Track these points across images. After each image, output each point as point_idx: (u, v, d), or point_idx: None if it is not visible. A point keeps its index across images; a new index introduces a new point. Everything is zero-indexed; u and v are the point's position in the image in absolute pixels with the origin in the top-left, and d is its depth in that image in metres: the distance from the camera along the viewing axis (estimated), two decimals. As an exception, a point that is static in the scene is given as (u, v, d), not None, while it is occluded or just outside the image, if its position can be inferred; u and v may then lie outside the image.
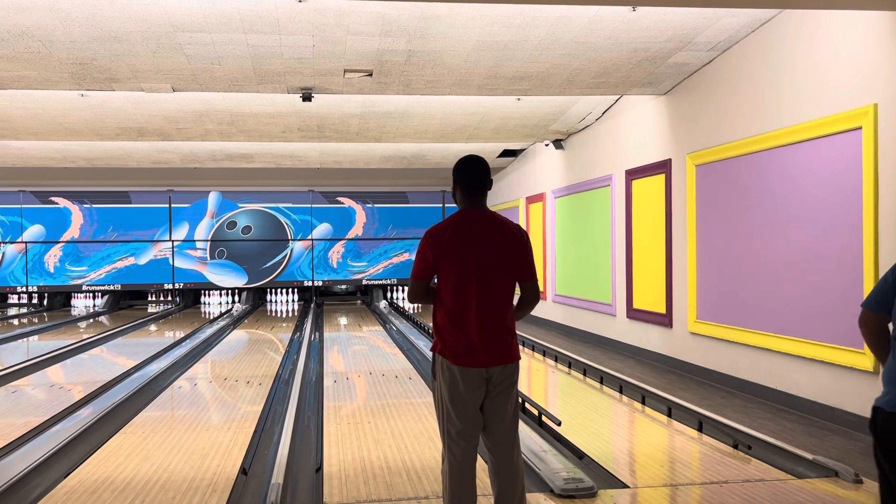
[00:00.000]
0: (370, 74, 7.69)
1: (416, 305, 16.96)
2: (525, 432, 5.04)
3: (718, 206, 7.35)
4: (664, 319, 8.49)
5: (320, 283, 17.38)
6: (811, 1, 5.52)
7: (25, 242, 16.45)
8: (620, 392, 6.97)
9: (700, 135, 7.73)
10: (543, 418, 5.79)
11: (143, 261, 16.79)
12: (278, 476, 4.31)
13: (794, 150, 6.19)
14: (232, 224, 17.05)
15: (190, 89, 8.20)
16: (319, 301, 17.66)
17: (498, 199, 16.08)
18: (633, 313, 9.38)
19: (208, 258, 16.97)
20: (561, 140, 11.93)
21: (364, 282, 17.54)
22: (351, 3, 5.92)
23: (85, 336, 11.86)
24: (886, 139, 5.22)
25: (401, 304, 16.95)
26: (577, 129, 11.24)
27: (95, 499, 4.16)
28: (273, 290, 17.86)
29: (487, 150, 13.79)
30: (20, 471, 4.52)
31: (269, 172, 16.11)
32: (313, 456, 5.12)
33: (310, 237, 17.26)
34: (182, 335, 11.96)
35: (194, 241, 16.93)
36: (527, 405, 6.17)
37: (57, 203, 16.54)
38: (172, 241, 16.85)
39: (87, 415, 6.18)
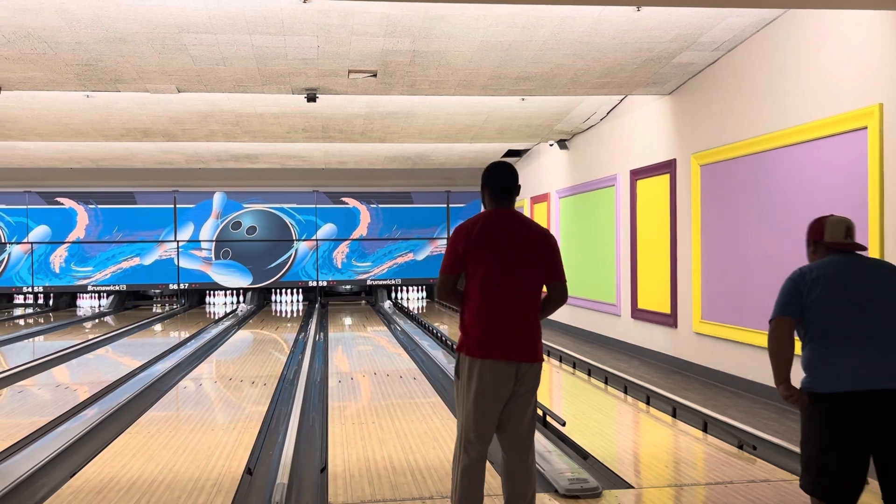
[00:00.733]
0: (374, 75, 7.70)
1: (420, 306, 16.97)
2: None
3: (723, 206, 7.34)
4: (669, 319, 8.48)
5: (325, 284, 17.39)
6: (815, 1, 5.51)
7: (31, 243, 16.50)
8: (625, 392, 6.97)
9: (705, 135, 7.72)
10: (548, 418, 5.79)
11: (148, 261, 16.83)
12: (283, 476, 4.32)
13: (799, 150, 6.18)
14: (237, 224, 17.08)
15: (195, 90, 8.22)
16: (324, 300, 17.68)
17: (502, 200, 16.04)
18: (638, 313, 9.37)
19: (213, 258, 17.00)
20: (565, 140, 11.92)
21: (368, 282, 17.55)
22: (355, 3, 5.93)
23: (90, 336, 11.89)
24: (892, 139, 5.21)
25: (405, 305, 16.96)
26: (581, 130, 11.24)
27: (101, 498, 4.17)
28: (278, 291, 17.87)
29: (492, 150, 13.79)
30: (26, 470, 4.54)
31: (274, 173, 16.13)
32: (318, 456, 5.12)
33: (314, 237, 17.28)
34: (187, 335, 11.98)
35: (199, 241, 16.96)
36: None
37: (62, 204, 16.59)
38: (177, 241, 16.89)
39: (92, 415, 6.20)
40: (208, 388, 7.78)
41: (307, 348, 9.82)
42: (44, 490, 4.36)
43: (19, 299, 17.44)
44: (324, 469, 4.71)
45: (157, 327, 13.85)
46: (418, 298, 18.02)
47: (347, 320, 14.23)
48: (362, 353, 10.04)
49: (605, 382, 7.42)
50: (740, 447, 5.05)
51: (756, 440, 5.04)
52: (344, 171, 16.15)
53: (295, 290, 17.89)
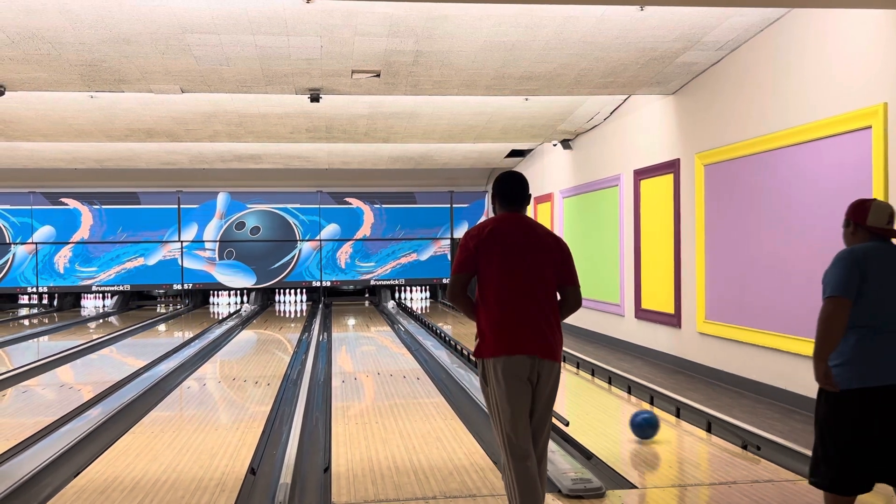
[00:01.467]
0: (378, 75, 7.70)
1: (423, 306, 16.97)
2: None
3: (727, 205, 7.33)
4: (673, 320, 8.47)
5: (328, 284, 17.40)
6: (818, 0, 5.50)
7: (36, 243, 16.53)
8: (629, 392, 6.96)
9: (708, 134, 7.71)
10: (552, 418, 5.78)
11: (152, 261, 16.85)
12: (286, 476, 4.32)
13: (803, 150, 6.16)
14: (240, 225, 17.10)
15: (198, 90, 8.23)
16: (328, 300, 17.68)
17: (506, 200, 16.03)
18: (642, 313, 9.36)
19: (217, 259, 17.02)
20: (569, 140, 11.91)
21: (372, 282, 17.55)
22: (358, 3, 5.93)
23: (94, 336, 11.91)
24: (896, 138, 5.19)
25: (409, 305, 16.96)
26: (585, 129, 11.22)
27: (105, 498, 4.18)
28: (281, 291, 17.89)
29: (495, 150, 13.78)
30: (30, 470, 4.55)
31: (278, 173, 16.15)
32: (321, 456, 5.13)
33: (318, 238, 17.29)
34: (191, 335, 11.99)
35: (203, 241, 16.98)
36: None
37: (67, 204, 16.62)
38: (181, 241, 16.91)
39: (96, 415, 6.21)
40: (212, 388, 7.79)
41: (311, 348, 9.82)
42: (48, 490, 4.36)
43: (24, 299, 17.49)
44: (327, 469, 4.71)
45: (161, 327, 13.88)
46: (422, 298, 18.02)
47: (351, 320, 14.24)
48: (366, 354, 10.04)
49: (609, 382, 7.41)
50: (744, 447, 5.03)
51: (760, 440, 5.03)
52: (347, 171, 16.16)
53: (298, 291, 17.91)
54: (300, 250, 17.25)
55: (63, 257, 16.63)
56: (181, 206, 16.91)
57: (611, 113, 10.20)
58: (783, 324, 6.42)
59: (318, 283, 17.35)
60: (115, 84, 7.84)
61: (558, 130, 11.43)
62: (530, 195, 3.49)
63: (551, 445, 4.90)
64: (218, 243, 17.00)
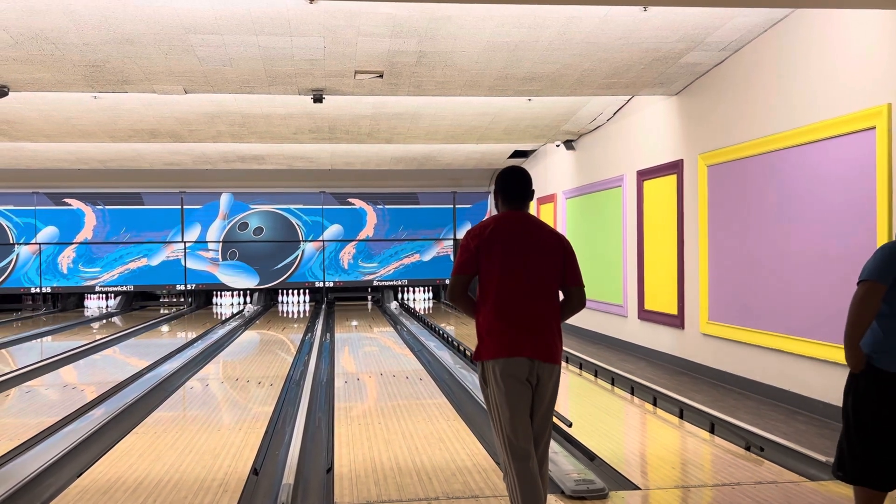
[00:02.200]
0: (381, 76, 7.70)
1: (426, 307, 16.96)
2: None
3: (730, 206, 7.31)
4: (676, 321, 8.45)
5: (331, 284, 17.41)
6: (822, 0, 5.48)
7: (39, 244, 16.56)
8: (632, 393, 6.95)
9: (712, 135, 7.70)
10: (554, 419, 5.76)
11: (155, 262, 16.88)
12: (289, 476, 4.32)
13: (806, 151, 6.15)
14: (244, 225, 17.11)
15: (202, 91, 8.24)
16: (331, 297, 17.70)
17: (509, 200, 16.03)
18: (645, 314, 9.35)
19: (220, 259, 17.04)
20: (572, 141, 11.90)
21: (375, 283, 17.56)
22: (361, 4, 5.93)
23: (98, 337, 11.93)
24: (900, 139, 5.18)
25: (411, 305, 16.97)
26: (588, 130, 11.22)
27: (108, 498, 4.18)
28: (284, 291, 17.90)
29: (498, 150, 13.78)
30: (34, 470, 4.55)
31: (281, 174, 16.16)
32: (324, 456, 5.13)
33: (321, 238, 17.30)
34: (194, 336, 12.01)
35: (206, 242, 17.00)
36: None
37: (70, 204, 16.65)
38: (185, 242, 16.93)
39: (99, 415, 6.22)
40: (215, 389, 7.79)
41: (313, 349, 9.82)
42: (51, 490, 4.37)
43: (28, 300, 17.52)
44: (330, 469, 4.71)
45: (165, 328, 13.89)
46: (424, 299, 18.02)
47: (354, 321, 14.24)
48: (368, 354, 10.04)
49: (612, 383, 7.40)
50: (748, 448, 5.02)
51: (763, 441, 5.02)
52: (350, 171, 16.16)
53: (301, 291, 17.92)
54: (303, 251, 17.26)
55: (66, 258, 16.65)
56: (184, 207, 16.92)
57: (614, 113, 10.19)
58: (787, 325, 6.41)
59: (321, 284, 17.36)
60: (118, 85, 7.85)
61: (561, 131, 11.42)
62: (533, 191, 3.45)
63: (554, 446, 4.91)
64: (221, 244, 17.02)
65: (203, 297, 17.77)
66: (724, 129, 7.44)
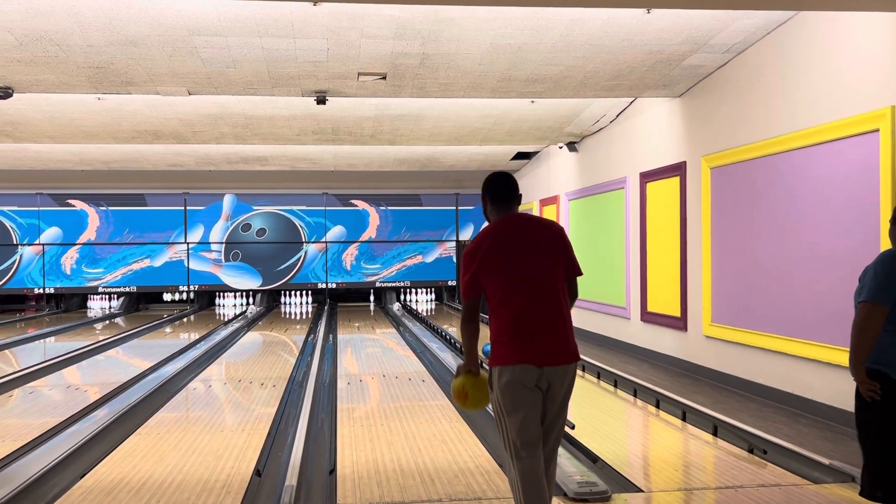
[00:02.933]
0: (384, 77, 7.71)
1: (428, 308, 16.97)
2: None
3: (734, 208, 7.31)
4: (679, 323, 8.45)
5: (334, 286, 17.42)
6: (826, 3, 5.48)
7: (42, 244, 16.59)
8: (635, 396, 6.94)
9: (715, 137, 7.70)
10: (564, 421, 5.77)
11: (158, 263, 16.90)
12: (292, 478, 4.33)
13: (810, 153, 6.15)
14: (246, 226, 17.13)
15: (205, 92, 8.25)
16: (335, 294, 17.74)
17: (511, 202, 16.03)
18: (648, 316, 9.34)
19: (223, 260, 17.05)
20: (575, 142, 11.90)
21: (377, 284, 17.57)
22: (365, 6, 5.94)
23: (101, 337, 11.94)
24: (904, 141, 5.17)
25: (414, 307, 16.97)
26: (591, 132, 11.22)
27: (111, 499, 4.19)
28: (287, 293, 17.91)
29: (501, 152, 13.78)
30: (37, 471, 4.56)
31: (284, 175, 16.17)
32: (327, 458, 5.13)
33: (324, 239, 17.31)
34: (197, 337, 12.02)
35: (209, 243, 17.02)
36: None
37: (74, 205, 16.68)
38: (188, 243, 16.95)
39: (102, 416, 6.23)
40: (218, 390, 7.80)
41: (316, 350, 9.83)
42: (55, 490, 4.38)
43: (31, 301, 17.55)
44: (332, 471, 4.72)
45: (167, 329, 13.91)
46: (427, 301, 18.02)
47: (356, 322, 14.25)
48: (371, 356, 10.04)
49: (615, 386, 7.40)
50: (751, 451, 5.02)
51: (767, 444, 5.01)
52: (353, 173, 16.18)
53: (304, 292, 17.93)
54: (306, 252, 17.27)
55: (70, 258, 16.68)
56: (187, 208, 16.95)
57: (617, 115, 10.19)
58: (790, 327, 6.40)
59: (324, 285, 17.37)
60: (122, 86, 7.87)
61: (564, 133, 11.42)
62: (520, 195, 3.44)
63: (557, 448, 4.92)
64: (224, 245, 17.04)
65: (206, 298, 17.79)
66: (728, 132, 7.44)
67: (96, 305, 17.63)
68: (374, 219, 17.47)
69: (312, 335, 12.08)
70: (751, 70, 7.02)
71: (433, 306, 17.40)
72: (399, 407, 6.56)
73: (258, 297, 17.51)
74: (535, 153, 14.08)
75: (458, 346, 10.22)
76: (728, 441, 5.31)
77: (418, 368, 8.68)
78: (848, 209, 5.70)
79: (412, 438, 5.43)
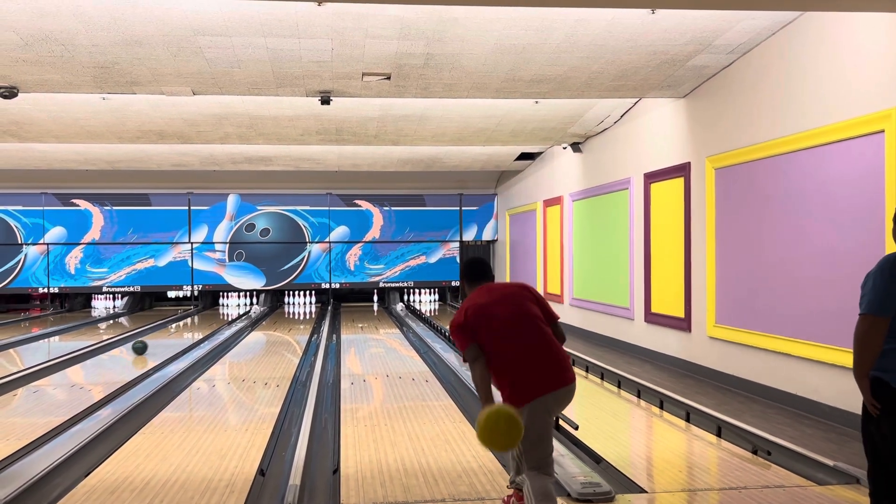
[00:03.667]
0: (388, 78, 7.71)
1: (432, 308, 16.97)
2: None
3: (738, 209, 7.30)
4: (683, 324, 8.44)
5: (338, 286, 17.44)
6: (831, 3, 5.47)
7: (47, 244, 16.63)
8: (638, 396, 6.94)
9: (720, 138, 7.69)
10: (561, 422, 5.77)
11: (162, 262, 16.93)
12: (296, 477, 4.33)
13: (815, 154, 6.14)
14: (250, 226, 17.15)
15: (210, 93, 8.26)
16: (338, 294, 17.75)
17: (515, 202, 16.06)
18: (652, 317, 9.33)
19: (227, 260, 17.08)
20: (579, 143, 11.89)
21: (381, 284, 17.57)
22: (369, 6, 5.94)
23: (105, 337, 11.97)
24: (909, 142, 5.16)
25: (417, 307, 16.97)
26: (595, 132, 11.21)
27: (115, 498, 4.20)
28: (291, 293, 17.93)
29: (505, 152, 13.78)
30: (41, 470, 4.57)
31: (288, 175, 16.19)
32: (330, 458, 5.13)
33: (327, 240, 17.33)
34: (201, 336, 12.04)
35: (213, 243, 17.05)
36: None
37: (78, 205, 16.71)
38: (192, 243, 16.98)
39: (106, 415, 6.24)
40: (221, 390, 7.81)
41: (320, 350, 9.84)
42: (59, 489, 4.39)
43: (35, 300, 17.60)
44: (336, 471, 4.72)
45: (171, 328, 13.93)
46: (430, 301, 18.03)
47: (360, 323, 14.25)
48: (375, 356, 10.05)
49: (618, 386, 7.39)
50: (754, 452, 5.01)
51: (770, 445, 5.01)
52: (357, 173, 16.19)
53: (308, 293, 17.95)
54: (309, 252, 17.29)
55: (74, 258, 16.72)
56: (192, 208, 16.97)
57: (621, 116, 10.18)
58: (794, 328, 6.39)
59: (328, 285, 17.38)
60: (127, 86, 7.88)
61: (568, 133, 11.41)
62: (493, 275, 3.92)
63: (560, 449, 4.92)
64: (228, 245, 17.06)
65: (210, 297, 17.81)
66: (732, 132, 7.43)
67: (100, 305, 17.68)
68: (377, 219, 17.48)
69: (316, 335, 12.09)
70: (756, 71, 7.01)
71: (437, 307, 17.40)
72: (402, 407, 6.56)
73: (262, 297, 17.53)
74: (539, 154, 14.07)
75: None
76: (732, 442, 5.30)
77: (422, 369, 8.68)
78: (853, 210, 5.69)
79: (416, 438, 5.43)
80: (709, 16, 6.32)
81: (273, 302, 17.64)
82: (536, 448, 3.47)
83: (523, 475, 3.55)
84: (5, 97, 7.91)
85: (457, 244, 17.61)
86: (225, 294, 17.83)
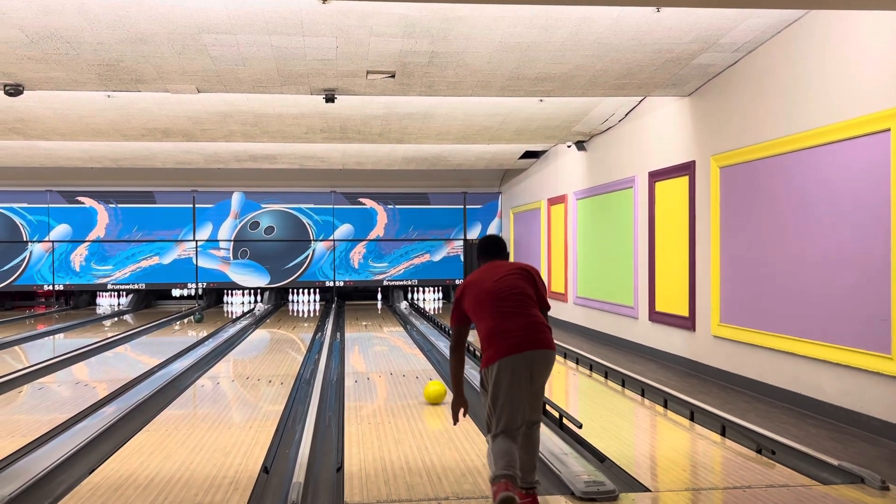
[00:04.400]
0: (393, 76, 7.71)
1: (436, 307, 16.96)
2: (546, 434, 5.02)
3: (743, 208, 7.28)
4: (687, 322, 8.42)
5: (342, 284, 17.45)
6: (836, 2, 5.45)
7: (52, 241, 16.68)
8: (642, 395, 6.92)
9: (724, 136, 7.67)
10: (564, 421, 5.77)
11: (167, 260, 16.96)
12: (299, 475, 4.33)
13: (820, 153, 6.12)
14: (255, 224, 17.17)
15: (214, 90, 8.27)
16: (342, 292, 17.76)
17: (519, 201, 16.04)
18: (656, 316, 9.32)
19: (231, 258, 17.10)
20: (583, 141, 11.88)
21: (385, 282, 17.58)
22: (374, 4, 5.94)
23: (110, 334, 12.00)
24: (915, 141, 5.14)
25: (421, 305, 16.97)
26: (599, 131, 11.19)
27: (119, 495, 4.20)
28: (295, 291, 17.95)
29: (509, 151, 13.77)
30: (46, 467, 4.58)
31: (292, 173, 16.20)
32: (334, 455, 5.14)
33: (331, 238, 17.34)
34: (205, 334, 12.05)
35: (218, 241, 17.07)
36: (548, 407, 6.15)
37: (83, 203, 16.75)
38: (196, 240, 17.00)
39: (111, 412, 6.25)
40: (225, 387, 7.82)
41: (324, 348, 9.85)
42: (63, 486, 4.40)
43: (41, 297, 17.64)
44: (340, 468, 4.72)
45: (176, 326, 13.95)
46: (434, 299, 18.03)
47: (364, 321, 14.26)
48: (378, 354, 10.05)
49: (622, 385, 7.38)
50: (759, 451, 5.00)
51: (775, 444, 4.99)
52: (361, 171, 16.19)
53: (312, 290, 17.97)
54: (314, 250, 17.31)
55: (79, 255, 16.76)
56: (196, 206, 17.00)
57: (626, 114, 10.17)
58: (799, 327, 6.38)
59: (332, 283, 17.40)
60: (132, 84, 7.89)
61: (573, 132, 11.40)
62: (507, 253, 4.14)
63: (564, 447, 4.92)
64: (232, 243, 17.09)
65: (214, 295, 17.84)
66: (737, 131, 7.41)
67: (105, 302, 17.72)
68: (381, 217, 17.48)
69: (320, 333, 12.10)
70: (761, 69, 6.99)
71: (441, 305, 17.39)
72: (406, 405, 6.56)
73: (266, 294, 17.55)
74: (544, 152, 14.06)
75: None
76: (736, 441, 5.29)
77: (425, 367, 8.68)
78: (858, 209, 5.67)
79: (419, 436, 5.43)
80: (714, 14, 6.31)
81: (277, 300, 17.66)
82: (504, 412, 3.64)
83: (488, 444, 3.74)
84: (11, 95, 7.93)
85: (461, 242, 17.60)
86: (229, 292, 17.86)
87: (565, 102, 9.61)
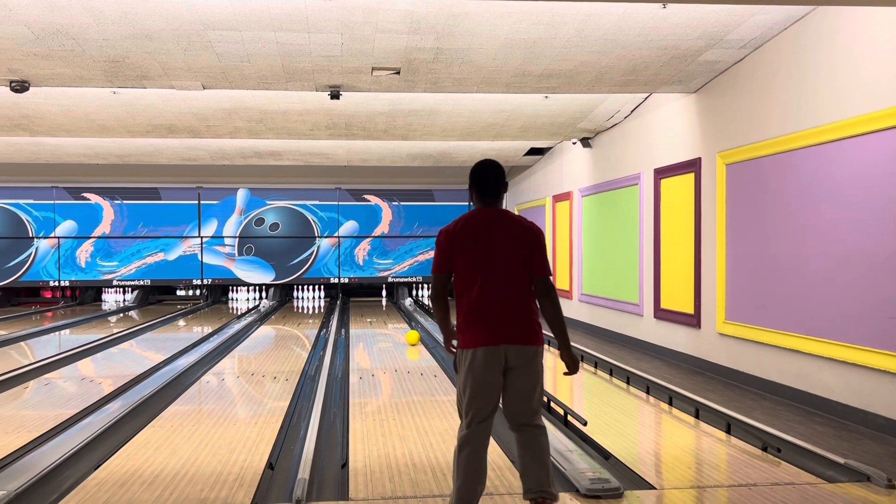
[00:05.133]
0: (398, 72, 7.70)
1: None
2: (551, 432, 5.01)
3: (749, 205, 7.26)
4: (692, 320, 8.41)
5: (346, 280, 17.47)
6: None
7: (58, 238, 16.72)
8: (647, 393, 6.92)
9: (731, 133, 7.64)
10: (569, 418, 5.77)
11: (172, 256, 17.00)
12: (304, 471, 4.34)
13: (828, 150, 6.09)
14: (260, 221, 17.19)
15: (220, 87, 8.27)
16: (347, 289, 17.76)
17: (524, 198, 16.02)
18: (661, 313, 9.31)
19: (236, 254, 17.13)
20: (588, 138, 11.86)
21: (390, 279, 17.59)
22: (379, 0, 5.93)
23: (115, 330, 12.03)
24: (923, 138, 5.12)
25: (426, 302, 16.96)
26: (605, 128, 11.17)
27: (125, 491, 4.21)
28: (300, 287, 17.98)
29: (514, 148, 13.75)
30: (52, 462, 4.59)
31: (297, 170, 16.21)
32: (339, 452, 5.14)
33: (336, 234, 17.35)
34: (210, 330, 12.08)
35: (223, 237, 17.10)
36: (552, 405, 6.15)
37: (89, 199, 16.79)
38: (201, 237, 17.03)
39: (116, 408, 6.27)
40: (230, 383, 7.83)
41: (328, 344, 9.85)
42: (69, 482, 4.41)
43: (46, 293, 17.70)
44: (345, 465, 4.73)
45: (181, 322, 13.98)
46: (439, 296, 17.99)
47: (368, 317, 14.27)
48: (383, 350, 10.06)
49: (627, 382, 7.37)
50: (764, 449, 4.99)
51: (780, 442, 4.98)
52: (366, 168, 16.19)
53: (317, 287, 17.99)
54: (319, 247, 17.32)
55: (85, 252, 16.80)
56: (201, 202, 17.02)
57: (631, 111, 10.14)
58: (804, 325, 6.36)
59: (337, 280, 17.41)
60: (137, 80, 7.90)
61: (578, 129, 11.38)
62: (506, 183, 3.62)
63: (569, 445, 4.91)
64: (237, 239, 17.12)
65: (219, 291, 17.88)
66: (744, 128, 7.39)
67: (111, 298, 17.77)
68: (386, 214, 17.49)
69: (325, 329, 12.11)
70: (767, 66, 6.96)
71: (445, 302, 17.37)
72: (411, 402, 6.56)
73: (271, 291, 17.57)
74: (549, 149, 14.03)
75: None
76: (741, 439, 5.28)
77: (430, 363, 8.69)
78: (866, 206, 5.64)
79: (424, 433, 5.43)
80: (720, 11, 6.28)
81: (282, 296, 17.69)
82: (473, 403, 3.45)
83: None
84: (17, 91, 7.94)
85: (465, 239, 17.58)
86: (234, 288, 17.89)
87: (571, 99, 9.59)
